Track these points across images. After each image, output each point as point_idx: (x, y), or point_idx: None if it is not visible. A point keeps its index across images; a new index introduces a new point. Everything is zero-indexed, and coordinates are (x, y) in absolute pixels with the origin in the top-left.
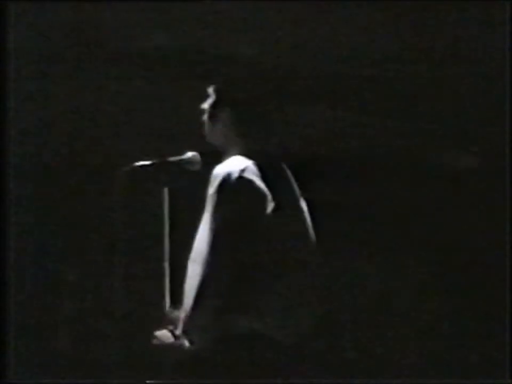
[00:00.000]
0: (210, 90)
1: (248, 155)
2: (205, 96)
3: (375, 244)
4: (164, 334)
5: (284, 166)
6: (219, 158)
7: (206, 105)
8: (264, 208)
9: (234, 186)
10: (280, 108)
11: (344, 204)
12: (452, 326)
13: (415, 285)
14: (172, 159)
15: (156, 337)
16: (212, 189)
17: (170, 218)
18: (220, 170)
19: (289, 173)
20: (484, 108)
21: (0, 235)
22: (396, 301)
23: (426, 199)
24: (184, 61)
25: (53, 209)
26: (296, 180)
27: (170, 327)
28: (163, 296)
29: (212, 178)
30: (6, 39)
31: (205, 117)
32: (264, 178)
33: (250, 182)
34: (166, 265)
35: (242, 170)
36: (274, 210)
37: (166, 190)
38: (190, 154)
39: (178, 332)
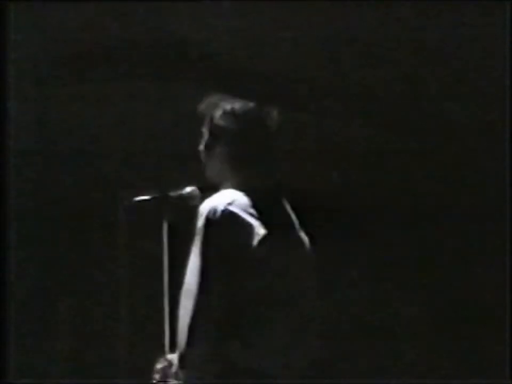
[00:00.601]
0: (204, 130)
1: (244, 189)
2: (200, 136)
3: (372, 274)
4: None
5: (281, 198)
6: (217, 192)
7: (201, 147)
8: (252, 240)
9: (220, 220)
10: (276, 139)
11: (341, 235)
12: (452, 327)
13: (415, 287)
14: (171, 194)
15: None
16: (199, 224)
17: (170, 252)
18: (206, 204)
19: (286, 203)
20: (484, 108)
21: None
22: (395, 308)
23: (424, 228)
24: (192, 70)
25: (53, 240)
26: (294, 211)
27: (167, 366)
28: (162, 331)
29: (199, 213)
30: (6, 39)
31: (202, 156)
32: (256, 210)
33: (235, 215)
34: (165, 300)
35: (229, 204)
36: (262, 241)
37: (165, 225)
38: (189, 189)
39: (174, 369)
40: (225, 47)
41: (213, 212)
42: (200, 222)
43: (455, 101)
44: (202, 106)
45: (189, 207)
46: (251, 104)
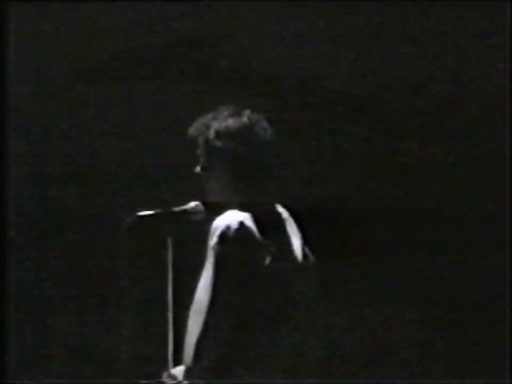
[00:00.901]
0: (199, 152)
1: (246, 209)
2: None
3: (372, 274)
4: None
5: (284, 218)
6: (222, 208)
7: (197, 169)
8: (264, 259)
9: (234, 238)
10: (276, 159)
11: (344, 251)
12: (452, 327)
13: (415, 287)
14: (175, 209)
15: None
16: (212, 241)
17: (174, 268)
18: (220, 222)
19: (290, 223)
20: (484, 108)
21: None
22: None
23: (424, 229)
24: (192, 70)
25: (54, 257)
26: (299, 229)
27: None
28: (166, 346)
29: (212, 230)
30: (6, 39)
31: (200, 178)
32: (262, 230)
33: (249, 233)
34: (170, 315)
35: (241, 222)
36: (272, 261)
37: (169, 240)
38: (193, 204)
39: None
40: (225, 47)
41: (227, 229)
42: (214, 239)
43: (455, 101)
44: (192, 130)
45: (193, 222)
46: (243, 119)
